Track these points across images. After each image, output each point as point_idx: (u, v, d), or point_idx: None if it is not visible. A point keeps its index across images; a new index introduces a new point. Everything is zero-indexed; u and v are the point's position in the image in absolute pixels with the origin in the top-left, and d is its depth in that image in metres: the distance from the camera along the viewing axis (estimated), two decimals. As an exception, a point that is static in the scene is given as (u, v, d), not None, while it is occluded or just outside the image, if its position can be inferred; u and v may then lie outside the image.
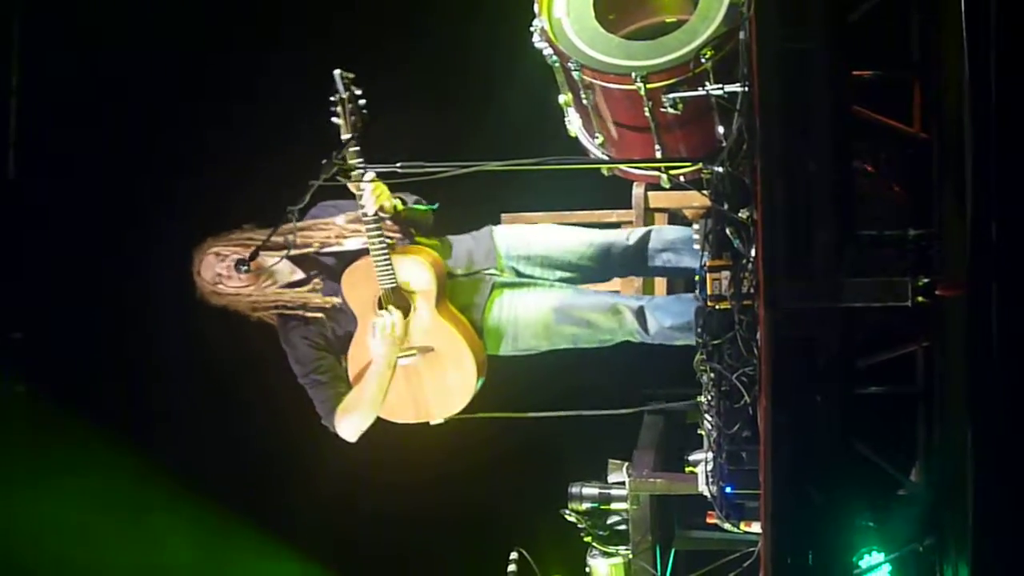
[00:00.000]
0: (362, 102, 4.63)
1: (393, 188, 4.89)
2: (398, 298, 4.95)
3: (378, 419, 5.09)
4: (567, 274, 5.25)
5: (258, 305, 5.05)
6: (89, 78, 6.56)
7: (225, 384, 6.36)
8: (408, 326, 4.98)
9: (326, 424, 5.09)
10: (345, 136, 4.65)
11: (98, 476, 6.58)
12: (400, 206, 4.93)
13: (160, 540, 6.73)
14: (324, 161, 4.62)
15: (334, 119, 4.64)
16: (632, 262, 5.31)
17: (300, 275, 5.11)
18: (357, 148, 4.68)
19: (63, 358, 6.65)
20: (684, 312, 5.02)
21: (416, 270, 4.94)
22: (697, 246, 4.81)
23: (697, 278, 4.63)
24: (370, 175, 4.74)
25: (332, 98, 4.61)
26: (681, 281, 5.57)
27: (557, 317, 5.13)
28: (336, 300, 5.02)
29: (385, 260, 4.86)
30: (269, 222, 4.87)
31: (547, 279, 5.24)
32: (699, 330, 4.63)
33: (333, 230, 5.02)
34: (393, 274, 4.89)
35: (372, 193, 4.76)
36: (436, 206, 5.10)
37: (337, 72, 4.59)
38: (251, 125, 6.31)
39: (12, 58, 6.71)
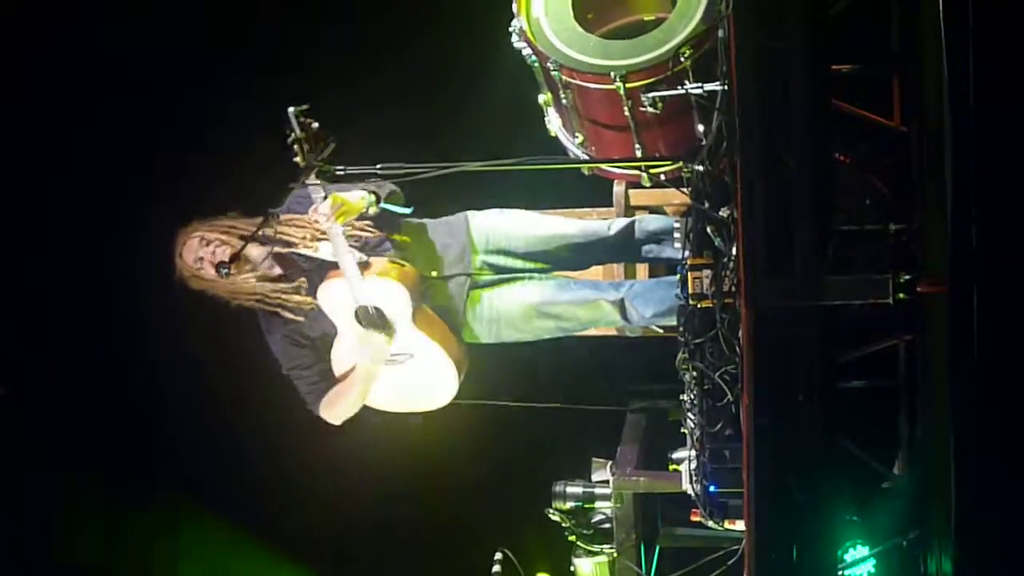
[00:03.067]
0: (321, 132, 4.54)
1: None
2: (374, 310, 4.95)
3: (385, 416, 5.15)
4: (548, 264, 5.25)
5: (238, 294, 5.04)
6: (60, 87, 6.53)
7: (212, 387, 6.33)
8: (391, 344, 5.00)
9: (311, 410, 5.12)
10: (306, 178, 4.61)
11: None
12: (372, 205, 4.91)
13: (149, 546, 6.75)
14: (304, 164, 4.59)
15: (293, 157, 4.56)
16: (614, 252, 5.32)
17: (278, 271, 5.11)
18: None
19: (45, 356, 6.63)
20: (665, 298, 5.04)
21: (389, 291, 4.93)
22: (679, 237, 4.82)
23: (679, 277, 4.62)
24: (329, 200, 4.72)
25: (288, 135, 4.52)
26: (663, 265, 5.55)
27: (538, 313, 5.15)
28: (315, 302, 5.01)
29: (358, 281, 4.86)
30: (254, 210, 4.89)
31: (527, 270, 5.23)
32: (681, 329, 4.63)
33: (307, 229, 5.00)
34: (367, 293, 4.89)
35: (333, 213, 4.74)
36: (412, 210, 5.07)
37: (291, 110, 4.49)
38: (234, 114, 6.28)
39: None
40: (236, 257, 4.79)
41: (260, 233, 4.90)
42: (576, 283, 5.25)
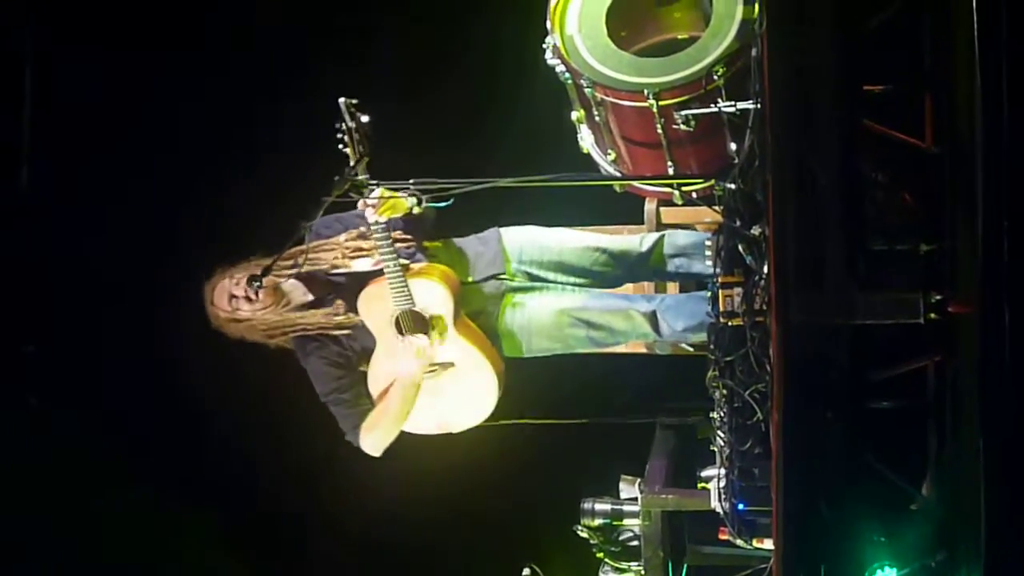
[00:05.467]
0: (368, 128, 4.55)
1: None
2: (416, 317, 4.96)
3: (400, 432, 5.11)
4: (580, 279, 5.24)
5: (276, 330, 5.05)
6: (103, 89, 6.57)
7: (238, 391, 6.34)
8: (434, 347, 5.00)
9: (350, 439, 5.09)
10: (354, 163, 4.60)
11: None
12: (415, 206, 4.86)
13: (170, 554, 6.75)
14: (337, 177, 4.61)
15: (341, 147, 4.57)
16: (644, 268, 5.31)
17: (310, 296, 5.12)
18: (367, 161, 4.66)
19: (75, 371, 6.66)
20: (696, 312, 5.02)
21: (432, 292, 4.94)
22: (709, 252, 4.82)
23: (709, 295, 4.62)
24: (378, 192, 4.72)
25: (338, 126, 4.54)
26: (693, 281, 5.55)
27: (570, 321, 5.13)
28: (357, 319, 5.02)
29: (400, 282, 4.86)
30: (278, 250, 4.87)
31: (559, 283, 5.24)
32: (711, 346, 4.63)
33: (338, 251, 5.02)
34: (409, 296, 4.89)
35: (380, 205, 4.73)
36: (451, 202, 5.02)
37: (342, 101, 4.51)
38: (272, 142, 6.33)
39: (25, 69, 6.72)
40: (267, 271, 4.79)
41: (290, 260, 4.93)
42: (608, 294, 5.25)
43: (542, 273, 5.22)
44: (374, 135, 4.56)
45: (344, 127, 4.53)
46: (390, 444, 5.09)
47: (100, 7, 6.54)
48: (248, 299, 4.97)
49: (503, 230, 5.26)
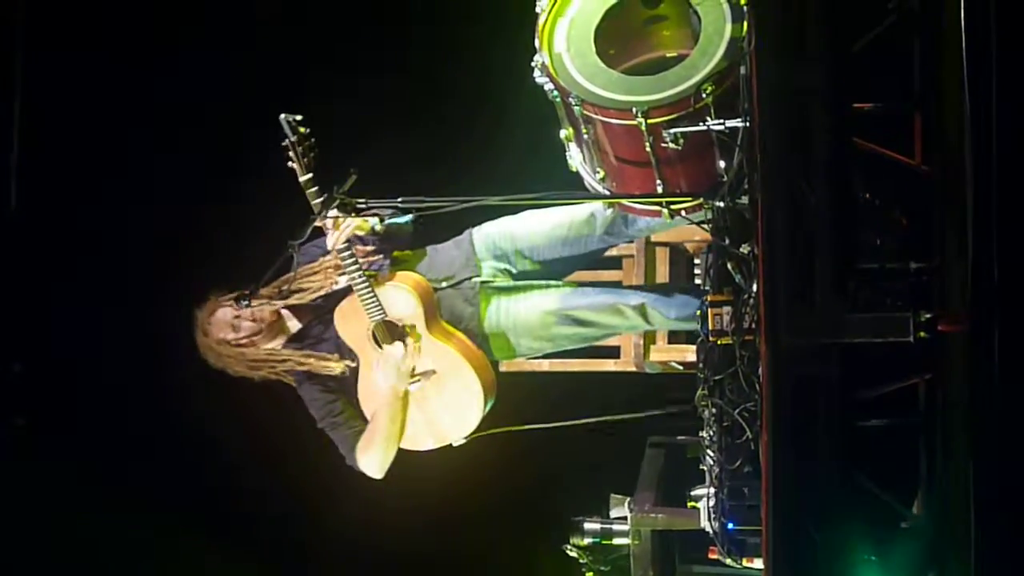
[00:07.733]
0: (311, 141, 4.55)
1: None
2: (391, 328, 4.95)
3: (401, 451, 5.08)
4: (558, 268, 5.21)
5: (266, 362, 5.05)
6: (93, 107, 6.57)
7: (233, 411, 6.32)
8: (412, 355, 4.98)
9: (350, 464, 5.07)
10: (303, 177, 4.60)
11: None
12: (378, 226, 4.92)
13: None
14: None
15: (289, 163, 4.57)
16: (611, 228, 5.22)
17: (298, 324, 5.13)
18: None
19: (64, 391, 6.64)
20: (689, 301, 5.01)
21: (400, 298, 4.93)
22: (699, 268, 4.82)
23: (700, 311, 4.62)
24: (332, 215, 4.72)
25: (283, 143, 4.53)
26: (683, 268, 5.58)
27: (557, 320, 5.10)
28: (352, 364, 5.01)
29: (369, 294, 4.86)
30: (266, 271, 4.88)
31: (540, 276, 5.20)
32: (701, 365, 4.62)
33: (322, 271, 5.00)
34: (380, 306, 4.89)
35: (336, 228, 4.76)
36: (411, 218, 5.02)
37: (283, 117, 4.51)
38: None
39: (15, 86, 6.71)
40: (255, 291, 4.79)
41: (276, 289, 4.96)
42: (595, 289, 5.20)
43: (520, 265, 5.19)
44: (316, 149, 4.55)
45: (288, 142, 4.52)
46: (390, 463, 5.06)
47: (90, 21, 6.55)
48: (253, 320, 4.99)
49: (475, 228, 5.23)
